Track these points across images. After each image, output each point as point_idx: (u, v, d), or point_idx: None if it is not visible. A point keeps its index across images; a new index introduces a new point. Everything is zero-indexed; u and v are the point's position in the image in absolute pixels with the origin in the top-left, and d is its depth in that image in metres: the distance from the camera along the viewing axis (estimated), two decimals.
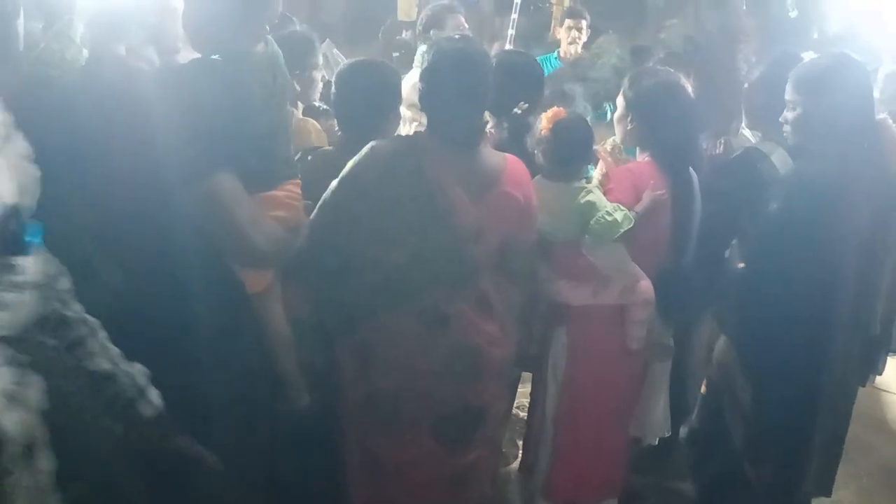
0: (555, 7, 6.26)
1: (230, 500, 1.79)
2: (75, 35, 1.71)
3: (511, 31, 4.58)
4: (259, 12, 1.86)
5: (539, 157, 2.24)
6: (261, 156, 1.87)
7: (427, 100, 1.96)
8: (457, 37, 2.08)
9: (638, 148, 2.34)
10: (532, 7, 6.20)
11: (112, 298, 1.60)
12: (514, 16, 4.65)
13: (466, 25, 3.39)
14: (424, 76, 1.95)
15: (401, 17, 5.97)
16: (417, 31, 3.53)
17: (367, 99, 2.22)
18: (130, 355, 1.64)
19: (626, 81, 2.33)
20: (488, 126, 2.37)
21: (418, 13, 6.37)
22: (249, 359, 1.81)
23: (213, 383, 1.70)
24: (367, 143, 1.96)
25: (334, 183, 1.96)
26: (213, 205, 1.64)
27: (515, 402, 2.77)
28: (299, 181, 1.99)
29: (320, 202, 1.98)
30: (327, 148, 2.44)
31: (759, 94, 2.42)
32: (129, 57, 1.62)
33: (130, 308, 1.63)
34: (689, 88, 2.28)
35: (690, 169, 2.24)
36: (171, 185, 1.57)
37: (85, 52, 1.72)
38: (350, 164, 1.95)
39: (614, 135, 2.51)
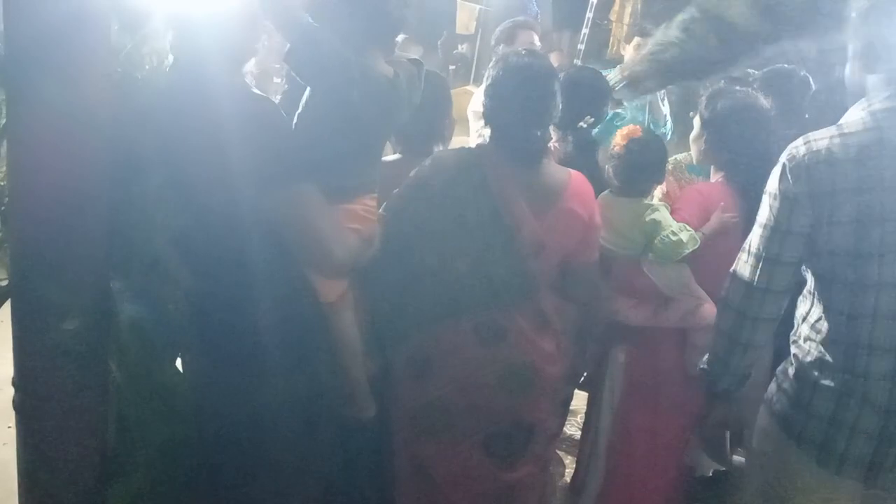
0: (614, 25, 6.24)
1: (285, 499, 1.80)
2: (164, 40, 1.75)
3: (581, 47, 4.58)
4: (386, 36, 1.90)
5: (609, 173, 2.22)
6: (344, 170, 1.89)
7: (491, 114, 1.97)
8: (523, 51, 2.07)
9: (712, 168, 2.30)
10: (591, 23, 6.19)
11: (181, 299, 1.63)
12: (585, 31, 4.64)
13: (538, 43, 3.42)
14: (489, 90, 1.96)
15: (459, 30, 6.02)
16: (492, 46, 3.57)
17: (420, 108, 2.24)
18: (198, 354, 1.68)
19: (702, 100, 2.30)
20: (552, 140, 2.37)
21: (476, 27, 6.43)
22: (318, 367, 1.82)
23: (277, 388, 1.71)
24: (427, 152, 1.96)
25: (398, 190, 1.97)
26: (292, 213, 1.66)
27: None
28: (376, 195, 2.01)
29: (383, 208, 1.99)
30: (389, 158, 2.45)
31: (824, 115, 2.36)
32: (216, 64, 1.64)
33: (199, 308, 1.66)
34: (767, 108, 2.23)
35: None
36: (251, 191, 1.59)
37: (170, 58, 1.76)
38: (414, 172, 1.95)
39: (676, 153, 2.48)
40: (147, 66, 1.70)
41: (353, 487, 2.08)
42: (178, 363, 1.86)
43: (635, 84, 3.01)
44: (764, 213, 1.61)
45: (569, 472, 2.77)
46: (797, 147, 1.56)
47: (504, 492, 2.04)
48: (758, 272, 1.60)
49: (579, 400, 2.71)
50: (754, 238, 1.63)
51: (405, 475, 2.05)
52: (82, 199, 1.50)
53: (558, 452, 2.80)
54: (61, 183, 1.46)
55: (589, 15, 4.67)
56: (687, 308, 2.15)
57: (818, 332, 1.58)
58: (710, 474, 2.37)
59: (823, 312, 1.57)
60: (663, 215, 2.14)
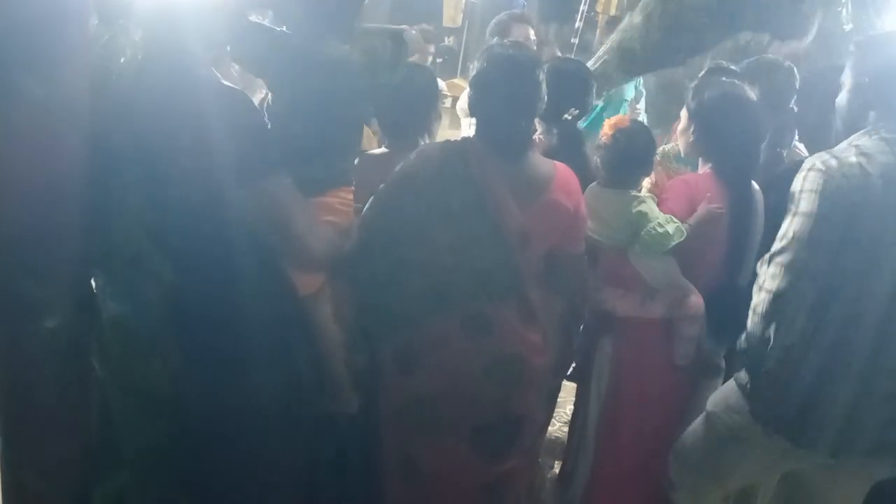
0: (600, 16, 6.24)
1: (274, 499, 1.79)
2: (135, 36, 1.72)
3: (574, 40, 4.57)
4: (340, 15, 1.88)
5: (597, 163, 2.22)
6: (312, 161, 1.87)
7: (476, 105, 1.97)
8: (508, 43, 2.07)
9: (700, 159, 2.30)
10: (577, 16, 6.18)
11: (162, 294, 1.61)
12: (579, 24, 4.62)
13: (534, 36, 3.39)
14: (474, 82, 1.96)
15: (446, 22, 6.01)
16: (486, 39, 3.53)
17: (406, 101, 2.23)
18: (179, 351, 1.66)
19: (689, 92, 2.30)
20: (537, 133, 2.36)
21: (463, 19, 6.42)
22: (298, 360, 1.81)
23: (260, 383, 1.70)
24: (413, 145, 1.96)
25: (383, 184, 1.96)
26: (267, 206, 1.65)
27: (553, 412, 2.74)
28: (352, 188, 2.00)
29: (369, 203, 1.98)
30: (375, 151, 2.45)
31: (809, 108, 2.37)
32: (185, 57, 1.62)
33: (180, 304, 1.64)
34: (755, 100, 2.23)
35: (753, 184, 2.19)
36: (227, 183, 1.57)
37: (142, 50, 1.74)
38: (399, 166, 1.95)
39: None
40: (122, 59, 1.67)
41: (341, 483, 2.07)
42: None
43: (606, 76, 3.01)
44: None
45: (557, 464, 2.78)
46: (826, 161, 1.69)
47: (492, 485, 2.04)
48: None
49: (566, 392, 2.71)
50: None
51: (393, 469, 2.05)
52: (61, 196, 1.48)
53: (547, 444, 2.81)
54: (40, 179, 1.44)
55: (583, 8, 4.65)
56: (673, 299, 2.15)
57: (782, 314, 1.72)
58: None
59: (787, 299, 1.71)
60: (650, 207, 2.14)
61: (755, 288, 1.80)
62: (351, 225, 1.98)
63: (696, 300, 2.15)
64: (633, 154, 2.18)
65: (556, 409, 2.85)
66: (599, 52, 3.51)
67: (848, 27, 4.30)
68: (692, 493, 2.05)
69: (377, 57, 1.97)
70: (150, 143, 1.58)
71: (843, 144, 1.76)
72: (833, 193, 1.66)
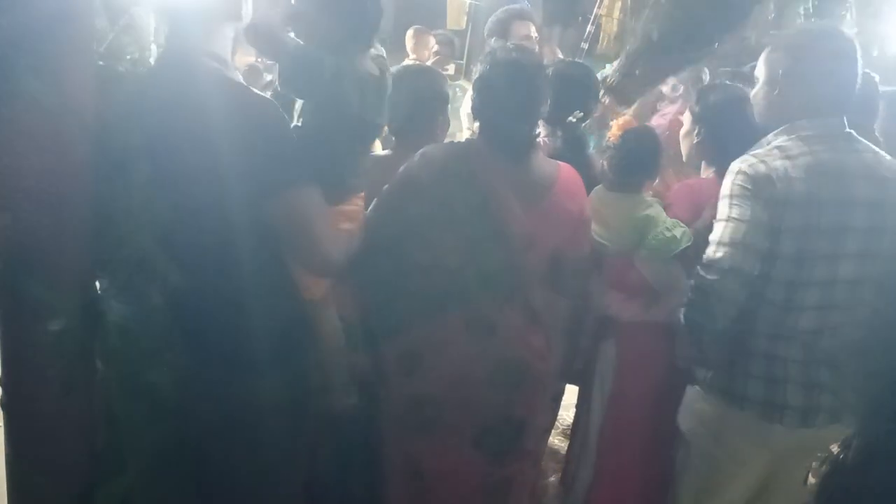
0: (604, 19, 6.23)
1: (277, 499, 1.79)
2: (147, 30, 1.72)
3: (584, 45, 4.48)
4: (363, 30, 1.89)
5: (604, 166, 2.22)
6: (344, 172, 1.89)
7: (480, 108, 1.97)
8: (511, 46, 2.07)
9: (703, 163, 2.30)
10: (580, 18, 6.17)
11: (167, 297, 1.61)
12: (591, 28, 4.51)
13: (535, 34, 3.20)
14: (477, 85, 1.96)
15: (450, 25, 6.01)
16: (485, 38, 3.32)
17: (415, 104, 2.23)
18: (183, 354, 1.66)
19: (694, 96, 2.30)
20: (542, 135, 2.36)
21: (467, 21, 6.42)
22: (303, 364, 1.81)
23: (264, 386, 1.70)
24: (419, 147, 1.96)
25: (387, 186, 1.96)
26: (293, 215, 1.65)
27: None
28: (363, 194, 2.00)
29: (373, 204, 1.98)
30: (381, 153, 2.45)
31: None
32: (204, 56, 1.62)
33: (185, 307, 1.64)
34: None
35: None
36: (244, 190, 1.57)
37: (154, 48, 1.73)
38: (403, 168, 1.95)
39: None
40: (129, 58, 1.67)
41: (344, 484, 2.07)
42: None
43: (628, 82, 2.96)
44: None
45: (557, 471, 2.77)
46: (754, 164, 1.76)
47: (495, 487, 2.04)
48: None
49: (569, 395, 2.71)
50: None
51: (395, 471, 2.05)
52: (67, 197, 1.48)
53: (550, 447, 2.81)
54: (46, 180, 1.44)
55: (597, 11, 4.54)
56: (677, 303, 2.14)
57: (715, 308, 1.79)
58: None
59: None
60: (657, 211, 2.14)
61: (689, 286, 1.86)
62: (359, 229, 1.98)
63: None
64: (640, 157, 2.18)
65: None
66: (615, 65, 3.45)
67: (853, 31, 4.30)
68: None
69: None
70: (160, 146, 1.58)
71: (765, 146, 1.82)
72: (761, 199, 1.72)
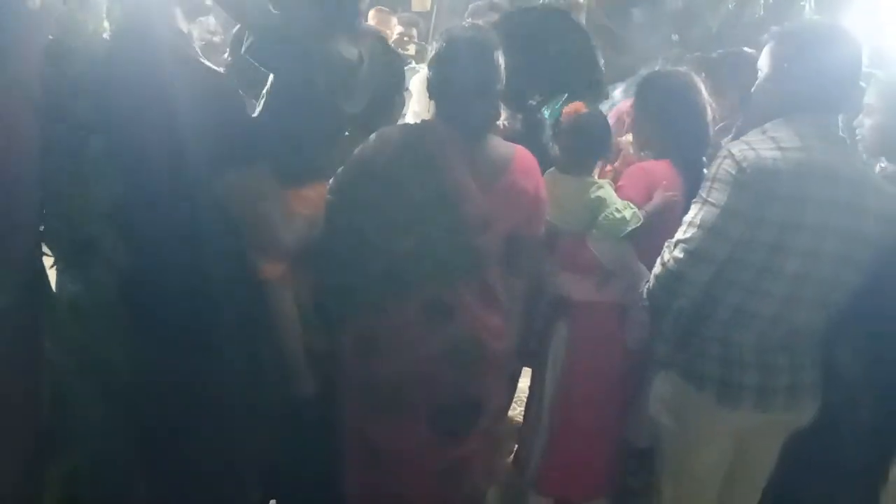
0: (572, 4, 6.22)
1: (232, 482, 1.79)
2: (100, 4, 1.68)
3: None
4: (343, 14, 1.87)
5: (555, 150, 2.24)
6: (302, 156, 1.87)
7: (435, 87, 1.96)
8: (466, 24, 2.07)
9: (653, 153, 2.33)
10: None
11: (118, 277, 1.59)
12: None
13: None
14: (433, 64, 1.95)
15: (415, 7, 5.95)
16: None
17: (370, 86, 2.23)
18: (134, 333, 1.65)
19: (636, 86, 2.33)
20: (502, 118, 2.37)
21: (432, 4, 6.36)
22: (258, 344, 1.80)
23: (219, 366, 1.70)
24: (375, 128, 1.95)
25: (342, 168, 1.95)
26: (243, 195, 1.63)
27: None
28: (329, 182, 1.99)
29: (329, 186, 1.97)
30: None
31: None
32: (160, 32, 1.59)
33: (135, 286, 1.62)
34: (703, 88, 2.26)
35: (706, 172, 2.23)
36: (198, 167, 1.56)
37: (106, 24, 1.70)
38: (358, 149, 1.94)
39: None
40: (82, 33, 1.63)
41: (301, 465, 2.08)
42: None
43: None
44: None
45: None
46: (744, 151, 1.74)
47: (451, 467, 2.05)
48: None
49: (523, 379, 2.74)
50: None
51: (353, 452, 2.05)
52: (11, 175, 1.45)
53: (511, 422, 2.82)
54: None
55: None
56: (628, 284, 2.18)
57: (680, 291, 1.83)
58: (648, 446, 2.41)
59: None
60: (608, 192, 2.17)
61: (658, 260, 1.87)
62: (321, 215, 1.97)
63: None
64: (590, 140, 2.21)
65: (517, 393, 2.87)
66: None
67: None
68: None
69: (375, 57, 1.97)
70: (115, 120, 1.55)
71: (760, 135, 1.80)
72: (745, 187, 1.72)
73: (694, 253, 1.77)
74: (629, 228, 2.10)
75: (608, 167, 2.53)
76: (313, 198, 1.94)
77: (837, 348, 1.93)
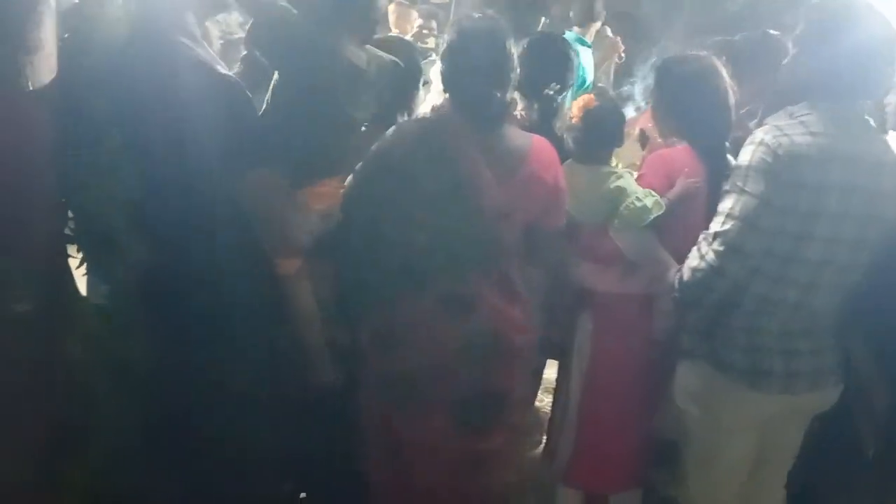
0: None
1: (256, 476, 1.80)
2: (116, 3, 1.69)
3: (572, 14, 4.44)
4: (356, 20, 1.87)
5: (569, 143, 2.22)
6: (310, 153, 1.88)
7: (449, 79, 1.95)
8: (476, 15, 2.05)
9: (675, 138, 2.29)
10: None
11: (134, 273, 1.61)
12: None
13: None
14: (444, 55, 1.95)
15: None
16: None
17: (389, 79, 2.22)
18: (155, 329, 1.66)
19: (656, 71, 2.29)
20: (519, 108, 2.35)
21: None
22: (276, 338, 1.81)
23: (238, 361, 1.71)
24: (392, 123, 1.95)
25: (360, 163, 1.95)
26: (252, 194, 1.64)
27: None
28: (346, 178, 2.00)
29: (347, 182, 1.97)
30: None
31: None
32: (175, 33, 1.60)
33: (154, 283, 1.64)
34: (724, 72, 2.21)
35: (729, 157, 2.18)
36: (211, 166, 1.57)
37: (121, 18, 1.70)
38: (376, 144, 1.94)
39: None
40: (97, 32, 1.64)
41: (323, 459, 2.09)
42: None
43: None
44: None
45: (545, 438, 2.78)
46: (778, 137, 1.71)
47: (477, 460, 2.04)
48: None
49: (550, 369, 2.72)
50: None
51: (376, 446, 2.05)
52: (30, 174, 1.47)
53: (536, 418, 2.81)
54: (7, 157, 1.43)
55: None
56: (653, 274, 2.14)
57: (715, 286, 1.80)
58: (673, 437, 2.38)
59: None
60: (628, 182, 2.13)
61: (695, 252, 1.84)
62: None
63: None
64: (602, 133, 2.20)
65: (545, 383, 2.85)
66: None
67: None
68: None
69: (384, 75, 1.97)
70: (131, 120, 1.57)
71: (789, 119, 1.77)
72: (778, 176, 1.69)
73: (733, 246, 1.74)
74: (651, 217, 2.06)
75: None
76: (328, 193, 1.95)
77: (850, 339, 1.93)
